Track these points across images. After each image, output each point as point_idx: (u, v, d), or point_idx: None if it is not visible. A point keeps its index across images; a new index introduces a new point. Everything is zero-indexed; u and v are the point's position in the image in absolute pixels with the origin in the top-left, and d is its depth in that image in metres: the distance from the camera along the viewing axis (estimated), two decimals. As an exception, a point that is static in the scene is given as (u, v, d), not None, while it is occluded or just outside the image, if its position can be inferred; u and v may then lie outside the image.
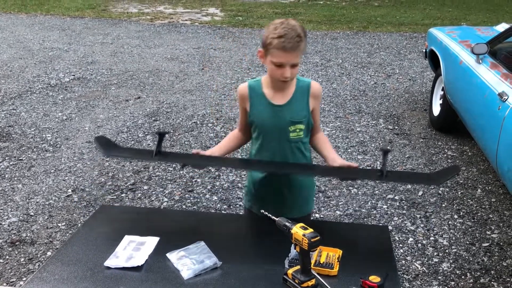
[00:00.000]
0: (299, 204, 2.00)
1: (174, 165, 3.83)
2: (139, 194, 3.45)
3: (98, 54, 7.24)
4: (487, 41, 3.65)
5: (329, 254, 1.60)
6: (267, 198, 1.95)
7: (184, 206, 3.30)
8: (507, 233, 3.02)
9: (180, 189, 3.51)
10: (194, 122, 4.73)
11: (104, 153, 1.88)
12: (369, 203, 3.33)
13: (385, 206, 3.30)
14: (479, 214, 3.22)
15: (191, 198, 3.39)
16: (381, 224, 3.00)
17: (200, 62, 6.87)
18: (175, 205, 3.31)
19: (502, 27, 4.39)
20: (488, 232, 3.02)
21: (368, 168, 2.08)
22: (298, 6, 11.96)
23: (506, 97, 2.90)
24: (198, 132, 4.51)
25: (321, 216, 3.19)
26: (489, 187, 3.55)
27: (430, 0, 12.84)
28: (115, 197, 3.41)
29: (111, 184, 3.57)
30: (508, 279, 2.63)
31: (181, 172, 3.73)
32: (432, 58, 4.77)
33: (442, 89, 4.43)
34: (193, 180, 3.63)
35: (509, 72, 3.15)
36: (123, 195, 3.44)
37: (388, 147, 1.89)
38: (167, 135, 4.40)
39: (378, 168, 1.83)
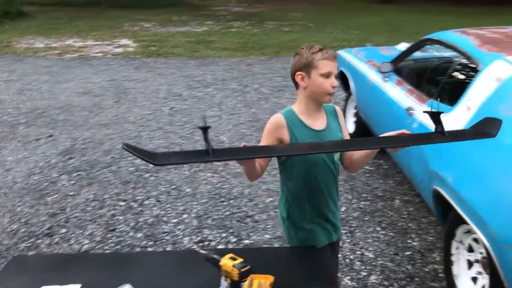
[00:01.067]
0: (339, 226, 2.03)
1: (94, 204, 3.64)
2: (57, 239, 3.22)
3: (3, 93, 6.81)
4: (391, 60, 3.89)
5: (261, 282, 1.57)
6: (316, 226, 1.94)
7: (106, 247, 3.12)
8: (426, 239, 3.17)
9: (101, 229, 3.33)
10: (112, 157, 4.55)
11: (154, 162, 1.51)
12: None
13: (312, 225, 3.34)
14: (399, 224, 3.37)
15: (114, 238, 3.23)
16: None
17: (115, 95, 6.68)
18: (97, 247, 3.13)
19: (402, 46, 4.72)
20: (409, 241, 3.16)
21: (422, 133, 2.01)
22: (211, 34, 12.09)
23: (412, 111, 3.09)
24: (117, 167, 4.34)
25: (251, 241, 3.17)
26: (406, 197, 3.74)
27: (337, 24, 13.56)
28: (30, 244, 3.16)
29: (25, 230, 3.31)
30: (432, 284, 2.75)
31: (100, 211, 3.56)
32: (343, 79, 4.99)
33: (355, 107, 4.64)
34: (115, 218, 3.47)
35: (413, 88, 3.37)
36: (38, 241, 3.19)
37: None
38: (83, 173, 4.19)
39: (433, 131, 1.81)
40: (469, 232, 2.43)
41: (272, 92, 6.80)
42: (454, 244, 2.56)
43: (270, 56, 9.39)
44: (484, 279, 2.35)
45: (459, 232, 2.50)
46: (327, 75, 1.76)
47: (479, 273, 2.41)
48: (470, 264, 2.49)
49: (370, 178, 4.07)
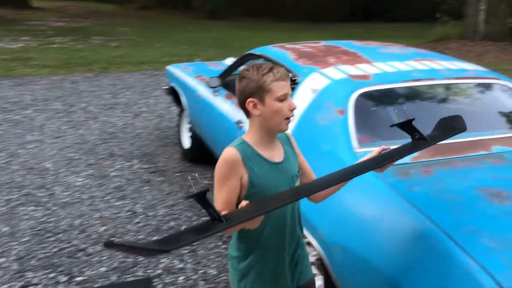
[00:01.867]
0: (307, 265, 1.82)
1: None
2: None
3: None
4: (219, 75, 3.94)
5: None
6: (282, 271, 1.69)
7: None
8: (265, 248, 3.25)
9: None
10: None
11: (166, 248, 1.25)
12: (134, 250, 3.16)
13: (151, 250, 3.18)
14: (239, 236, 3.39)
15: None
16: (143, 277, 2.87)
17: None
18: None
19: (229, 61, 4.85)
20: (249, 251, 3.20)
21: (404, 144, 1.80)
22: (29, 50, 11.02)
23: (242, 124, 3.15)
24: None
25: (84, 277, 2.87)
26: (244, 208, 3.79)
27: (166, 40, 13.52)
28: None
29: None
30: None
31: None
32: (174, 94, 4.93)
33: (189, 122, 4.60)
34: None
35: (241, 101, 3.43)
36: None
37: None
38: None
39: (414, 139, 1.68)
40: (308, 244, 2.54)
41: (102, 111, 6.42)
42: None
43: (98, 73, 8.89)
44: (320, 280, 2.47)
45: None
46: (283, 98, 1.54)
47: (315, 274, 2.53)
48: (305, 267, 2.60)
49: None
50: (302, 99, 2.66)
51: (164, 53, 11.06)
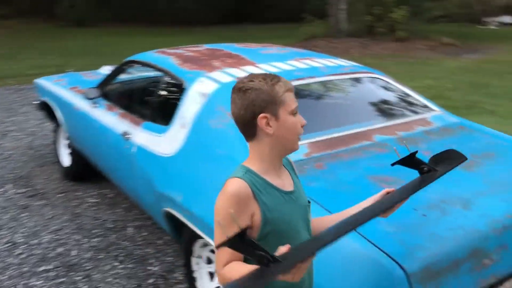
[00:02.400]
0: None
1: None
2: None
3: None
4: (97, 85, 3.71)
5: None
6: None
7: None
8: (165, 261, 3.13)
9: None
10: None
11: None
12: (21, 284, 2.85)
13: (40, 282, 2.89)
14: (136, 252, 3.23)
15: None
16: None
17: None
18: None
19: (105, 69, 4.59)
20: (149, 268, 3.06)
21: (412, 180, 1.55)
22: None
23: (129, 135, 2.99)
24: None
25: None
26: (138, 223, 3.63)
27: (32, 50, 12.50)
28: None
29: None
30: (180, 305, 2.72)
31: None
32: (47, 109, 4.54)
33: (67, 138, 4.28)
34: None
35: (125, 111, 3.28)
36: None
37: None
38: None
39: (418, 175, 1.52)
40: (206, 245, 2.49)
41: (-39, 134, 5.71)
42: (194, 260, 2.58)
43: (-49, 92, 7.91)
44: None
45: (197, 247, 2.53)
46: (296, 112, 1.34)
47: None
48: (212, 275, 2.55)
49: (98, 211, 3.81)
50: (191, 105, 2.61)
51: (30, 65, 10.19)
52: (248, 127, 1.32)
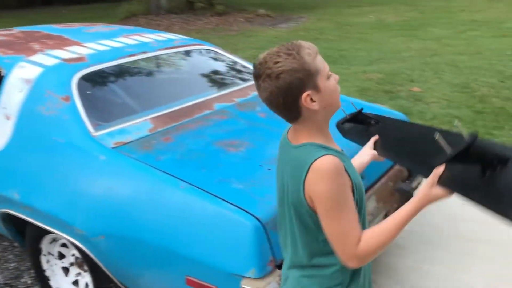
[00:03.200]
0: None
1: None
2: None
3: None
4: None
5: None
6: None
7: None
8: (8, 268, 2.84)
9: None
10: None
11: None
12: None
13: None
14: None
15: None
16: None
17: None
18: None
19: None
20: (-10, 279, 2.76)
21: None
22: None
23: None
24: None
25: None
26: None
27: None
28: None
29: None
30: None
31: None
32: None
33: None
34: None
35: None
36: None
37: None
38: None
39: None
40: (55, 240, 2.34)
41: None
42: (44, 258, 2.41)
43: None
44: (85, 277, 2.34)
45: (44, 244, 2.36)
46: (330, 73, 1.24)
47: (79, 274, 2.38)
48: (66, 270, 2.42)
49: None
50: (14, 93, 2.36)
51: None
52: (291, 111, 1.22)
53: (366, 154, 1.57)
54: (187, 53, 3.10)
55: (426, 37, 9.59)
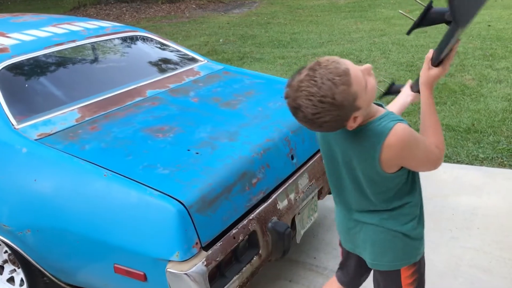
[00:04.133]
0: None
1: None
2: None
3: None
4: None
5: None
6: None
7: None
8: None
9: None
10: None
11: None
12: None
13: None
14: None
15: None
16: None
17: None
18: None
19: None
20: None
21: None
22: None
23: None
24: None
25: None
26: None
27: None
28: None
29: None
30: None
31: None
32: None
33: None
34: None
35: None
36: None
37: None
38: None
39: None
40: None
41: None
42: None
43: None
44: (20, 274, 2.29)
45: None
46: (365, 80, 1.32)
47: (13, 271, 2.33)
48: (1, 268, 2.36)
49: None
50: None
51: None
52: (342, 125, 1.31)
53: (407, 95, 1.74)
54: (121, 40, 3.05)
55: (375, 17, 9.73)
